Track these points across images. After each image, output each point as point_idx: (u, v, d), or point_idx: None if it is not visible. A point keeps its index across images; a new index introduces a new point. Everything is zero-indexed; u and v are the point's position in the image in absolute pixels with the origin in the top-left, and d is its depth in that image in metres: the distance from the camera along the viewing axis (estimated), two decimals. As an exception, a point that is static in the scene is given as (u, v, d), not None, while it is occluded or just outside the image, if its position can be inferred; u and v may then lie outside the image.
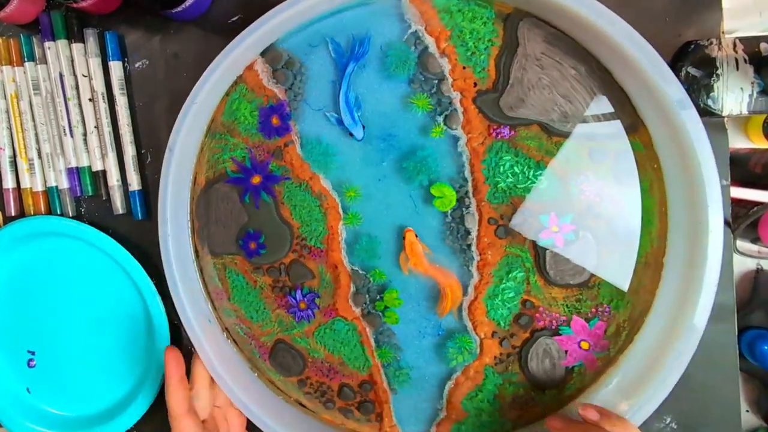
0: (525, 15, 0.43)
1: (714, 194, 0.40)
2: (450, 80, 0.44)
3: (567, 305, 0.45)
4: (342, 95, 0.44)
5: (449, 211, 0.45)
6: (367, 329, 0.46)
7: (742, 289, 0.59)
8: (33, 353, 0.55)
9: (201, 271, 0.48)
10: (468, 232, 0.45)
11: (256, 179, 0.46)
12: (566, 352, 0.45)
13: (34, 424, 0.54)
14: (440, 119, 0.44)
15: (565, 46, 0.43)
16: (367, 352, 0.47)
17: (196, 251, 0.48)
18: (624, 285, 0.44)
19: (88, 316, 0.53)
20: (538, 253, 0.44)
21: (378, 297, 0.46)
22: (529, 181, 0.44)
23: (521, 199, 0.44)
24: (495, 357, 0.46)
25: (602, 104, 0.43)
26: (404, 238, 0.45)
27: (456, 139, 0.44)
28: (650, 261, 0.44)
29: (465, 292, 0.45)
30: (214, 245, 0.48)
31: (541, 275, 0.45)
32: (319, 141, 0.45)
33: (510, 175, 0.44)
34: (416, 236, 0.45)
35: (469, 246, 0.45)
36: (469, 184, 0.45)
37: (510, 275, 0.45)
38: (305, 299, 0.46)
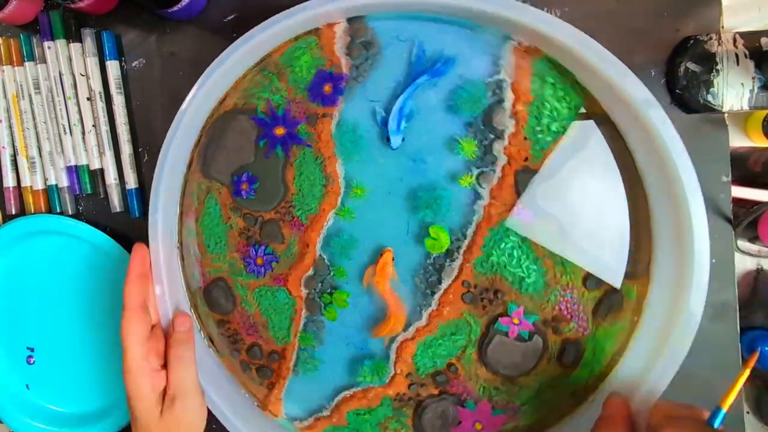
0: (607, 122, 0.39)
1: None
2: (506, 142, 0.40)
3: (485, 387, 0.43)
4: (400, 100, 0.39)
5: (434, 255, 0.42)
6: (303, 311, 0.43)
7: (741, 289, 0.54)
8: (32, 350, 0.53)
9: (185, 183, 0.44)
10: (439, 282, 0.42)
11: (279, 131, 0.41)
12: (460, 423, 0.44)
13: (33, 421, 0.52)
14: (475, 171, 0.40)
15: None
16: (292, 329, 0.44)
17: (190, 163, 0.43)
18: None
19: (87, 313, 0.51)
20: (488, 332, 0.42)
21: (329, 290, 0.43)
22: (520, 270, 0.41)
23: (503, 279, 0.41)
24: (398, 393, 0.44)
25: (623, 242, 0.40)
26: (381, 255, 0.42)
27: (478, 196, 0.41)
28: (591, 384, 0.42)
29: (405, 329, 0.43)
30: (209, 167, 0.43)
31: (478, 352, 0.42)
32: (355, 129, 0.40)
33: (506, 255, 0.41)
34: (392, 259, 0.42)
35: (433, 293, 0.42)
36: (466, 242, 0.41)
37: (453, 336, 0.42)
38: (264, 257, 0.43)
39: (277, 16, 0.37)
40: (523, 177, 0.40)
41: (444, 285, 0.42)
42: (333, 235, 0.42)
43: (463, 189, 0.41)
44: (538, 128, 0.39)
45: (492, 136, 0.40)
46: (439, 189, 0.41)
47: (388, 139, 0.40)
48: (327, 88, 0.40)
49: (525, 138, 0.40)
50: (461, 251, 0.41)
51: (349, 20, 0.39)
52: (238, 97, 0.42)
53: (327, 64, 0.40)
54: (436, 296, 0.42)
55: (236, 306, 0.44)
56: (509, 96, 0.39)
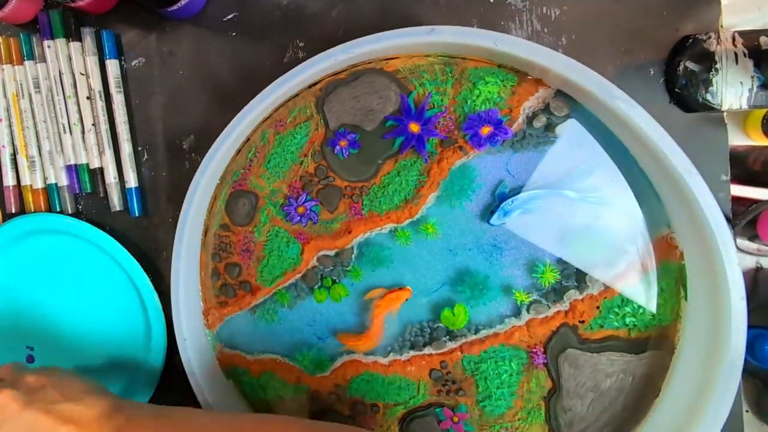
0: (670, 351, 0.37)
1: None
2: (580, 297, 0.38)
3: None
4: (534, 193, 0.36)
5: (439, 324, 0.40)
6: (299, 275, 0.41)
7: (739, 287, 0.55)
8: (32, 349, 0.51)
9: (294, 96, 0.39)
10: (424, 346, 0.41)
11: (414, 127, 0.37)
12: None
13: None
14: (534, 296, 0.38)
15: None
16: (278, 280, 0.42)
17: (313, 84, 0.39)
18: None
19: (87, 313, 0.49)
20: (427, 408, 0.42)
21: (334, 279, 0.41)
22: (495, 390, 0.40)
23: (474, 385, 0.40)
24: (317, 391, 0.43)
25: None
26: (401, 289, 0.40)
27: (517, 314, 0.39)
28: None
29: (367, 354, 0.42)
30: (327, 102, 0.39)
31: (405, 414, 0.42)
32: (473, 179, 0.37)
33: (495, 372, 0.40)
34: (406, 300, 0.40)
35: (411, 349, 0.41)
36: (473, 337, 0.40)
37: (398, 389, 0.42)
38: (308, 210, 0.40)
39: (516, 38, 0.32)
40: (564, 333, 0.38)
41: (426, 351, 0.41)
42: (376, 243, 0.40)
43: (511, 300, 0.39)
44: (615, 309, 0.37)
45: (575, 284, 0.37)
46: (492, 283, 0.39)
47: (492, 212, 0.37)
48: (485, 130, 0.36)
49: (597, 307, 0.38)
50: (462, 340, 0.40)
51: (558, 92, 0.34)
52: (405, 68, 0.37)
53: (505, 110, 0.36)
54: (411, 353, 0.41)
55: (249, 225, 0.42)
56: (622, 267, 0.36)
